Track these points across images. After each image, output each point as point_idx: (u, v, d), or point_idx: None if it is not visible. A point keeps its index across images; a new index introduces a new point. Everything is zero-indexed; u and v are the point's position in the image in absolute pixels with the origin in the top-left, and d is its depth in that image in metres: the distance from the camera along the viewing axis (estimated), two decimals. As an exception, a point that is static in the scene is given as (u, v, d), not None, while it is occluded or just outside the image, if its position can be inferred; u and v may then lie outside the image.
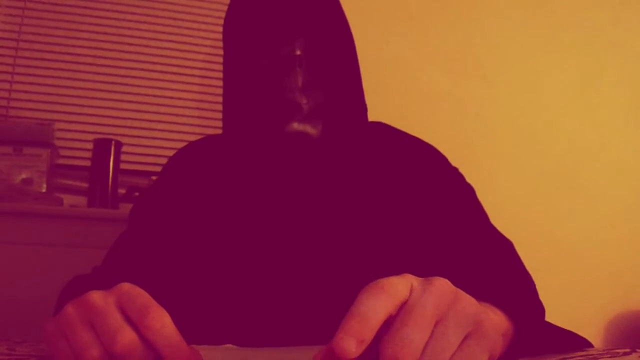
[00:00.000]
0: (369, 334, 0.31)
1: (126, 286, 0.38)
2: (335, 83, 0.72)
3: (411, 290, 0.34)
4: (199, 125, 1.65)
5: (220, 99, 1.64)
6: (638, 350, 0.44)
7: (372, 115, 0.83)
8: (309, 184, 0.72)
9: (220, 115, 1.63)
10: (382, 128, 0.82)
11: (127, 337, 0.34)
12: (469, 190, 0.77)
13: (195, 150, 0.81)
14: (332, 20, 0.74)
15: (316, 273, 0.67)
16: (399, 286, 0.33)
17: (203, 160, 0.78)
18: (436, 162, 0.79)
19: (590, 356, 0.43)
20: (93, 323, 0.36)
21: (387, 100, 1.66)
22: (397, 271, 0.37)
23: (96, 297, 0.37)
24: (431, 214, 0.72)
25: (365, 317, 0.31)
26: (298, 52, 0.69)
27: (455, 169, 0.80)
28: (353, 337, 0.30)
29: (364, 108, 0.78)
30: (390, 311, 0.32)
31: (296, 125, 0.68)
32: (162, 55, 1.65)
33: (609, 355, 0.43)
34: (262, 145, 0.72)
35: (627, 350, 0.45)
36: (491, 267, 0.67)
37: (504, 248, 0.71)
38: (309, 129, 0.69)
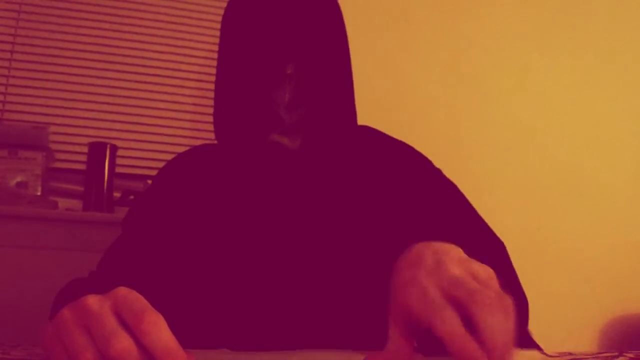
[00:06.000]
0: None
1: (123, 290, 0.38)
2: (323, 97, 0.77)
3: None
4: (193, 129, 1.65)
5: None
6: (625, 353, 0.44)
7: (364, 119, 0.84)
8: (293, 189, 0.74)
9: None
10: (368, 131, 0.83)
11: (122, 341, 0.35)
12: (453, 188, 0.79)
13: (189, 158, 0.82)
14: (329, 34, 0.77)
15: (306, 277, 0.67)
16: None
17: (196, 167, 0.79)
18: (420, 164, 0.80)
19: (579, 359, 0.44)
20: (88, 327, 0.36)
21: (380, 104, 1.67)
22: (385, 274, 0.37)
23: (92, 301, 0.38)
24: (417, 214, 0.73)
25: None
26: (289, 71, 0.73)
27: (439, 170, 0.81)
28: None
29: (352, 114, 0.81)
30: None
31: (276, 137, 0.74)
32: (157, 59, 1.65)
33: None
34: (247, 152, 0.76)
35: (615, 353, 0.45)
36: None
37: (496, 247, 0.72)
38: (286, 141, 0.74)
